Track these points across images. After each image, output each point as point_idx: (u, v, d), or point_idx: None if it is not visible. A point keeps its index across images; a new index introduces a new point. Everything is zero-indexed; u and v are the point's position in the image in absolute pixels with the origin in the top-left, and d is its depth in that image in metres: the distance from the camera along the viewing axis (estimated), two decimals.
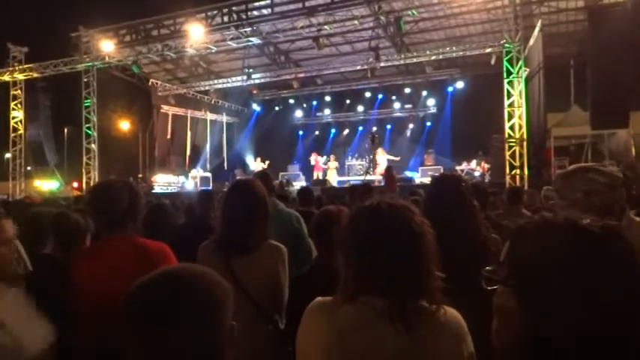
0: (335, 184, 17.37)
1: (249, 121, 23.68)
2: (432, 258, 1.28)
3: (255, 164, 19.73)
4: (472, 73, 17.80)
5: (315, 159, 19.10)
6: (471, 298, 1.27)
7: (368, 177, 15.80)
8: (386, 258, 1.23)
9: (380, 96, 21.28)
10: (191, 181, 18.58)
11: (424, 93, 20.52)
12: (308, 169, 20.51)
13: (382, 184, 13.73)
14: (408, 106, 21.49)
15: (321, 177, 18.28)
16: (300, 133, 23.97)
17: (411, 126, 21.49)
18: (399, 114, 21.95)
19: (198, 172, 19.16)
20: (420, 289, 1.24)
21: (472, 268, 1.30)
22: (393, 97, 21.18)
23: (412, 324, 1.20)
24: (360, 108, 22.17)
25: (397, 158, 16.93)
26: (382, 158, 16.50)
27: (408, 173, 17.64)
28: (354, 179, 19.05)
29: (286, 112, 22.92)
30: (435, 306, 1.26)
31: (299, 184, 18.65)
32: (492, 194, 5.48)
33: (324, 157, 19.27)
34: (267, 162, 18.48)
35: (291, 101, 22.81)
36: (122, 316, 0.90)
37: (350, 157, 20.77)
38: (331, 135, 23.46)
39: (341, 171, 19.97)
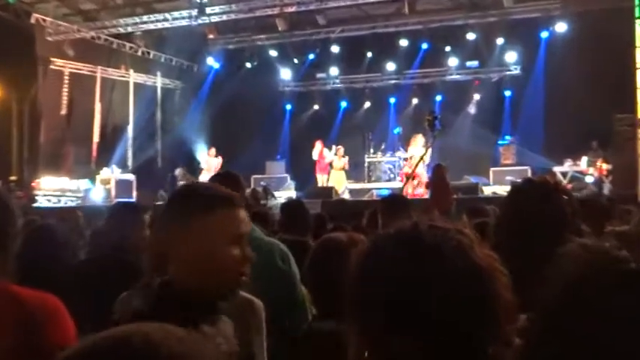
0: (345, 195, 18.62)
1: (200, 86, 24.34)
2: (504, 315, 1.34)
3: (209, 159, 20.48)
4: (582, 9, 18.37)
5: (319, 151, 19.86)
6: None
7: (399, 184, 17.02)
8: (431, 318, 1.28)
9: (424, 46, 22.00)
10: (100, 187, 18.98)
11: (500, 41, 21.17)
12: (301, 169, 21.62)
13: (426, 195, 14.37)
14: (472, 63, 22.42)
15: (326, 183, 19.58)
16: (288, 107, 24.86)
17: (476, 97, 22.35)
18: (456, 76, 22.77)
19: (112, 174, 19.65)
20: None
21: None
22: (447, 49, 21.95)
23: None
24: (391, 66, 23.01)
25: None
26: (418, 151, 17.43)
27: (470, 178, 18.69)
28: (379, 187, 20.14)
29: (265, 73, 23.38)
30: None
31: (285, 194, 19.81)
32: (614, 213, 5.78)
33: (332, 148, 20.32)
34: (220, 157, 19.74)
35: (273, 53, 23.44)
36: None
37: (372, 151, 21.69)
38: (340, 111, 24.19)
39: (355, 173, 21.17)
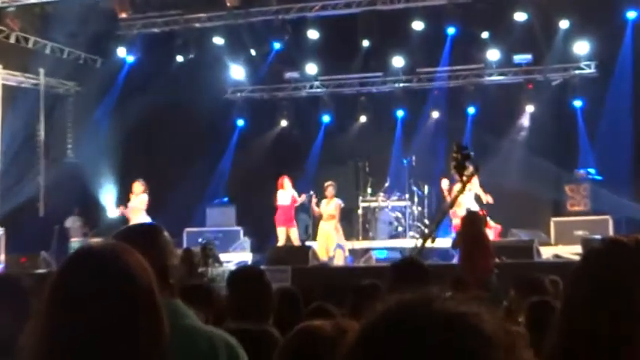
0: (338, 259, 19.57)
1: (107, 90, 24.81)
2: None
3: (115, 209, 21.47)
4: None
5: (289, 194, 20.60)
6: None
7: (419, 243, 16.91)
8: None
9: (450, 31, 22.26)
10: None
11: (564, 25, 21.54)
12: (260, 219, 22.32)
13: (454, 259, 15.33)
14: (522, 58, 22.93)
15: (297, 237, 20.56)
16: (240, 123, 25.62)
17: (529, 109, 23.23)
18: (498, 78, 23.60)
19: None
20: None
21: None
22: (484, 36, 22.49)
23: None
24: (398, 62, 23.63)
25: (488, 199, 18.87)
26: (467, 197, 18.09)
27: (520, 233, 19.58)
28: (380, 247, 21.26)
29: (205, 70, 24.08)
30: None
31: (237, 257, 20.97)
32: None
33: (306, 193, 20.88)
34: (144, 194, 19.98)
35: (219, 41, 23.82)
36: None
37: (369, 191, 22.68)
38: (320, 129, 24.98)
39: (344, 225, 21.33)
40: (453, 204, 17.11)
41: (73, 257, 2.67)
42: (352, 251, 20.88)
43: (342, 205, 20.51)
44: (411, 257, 10.05)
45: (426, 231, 18.40)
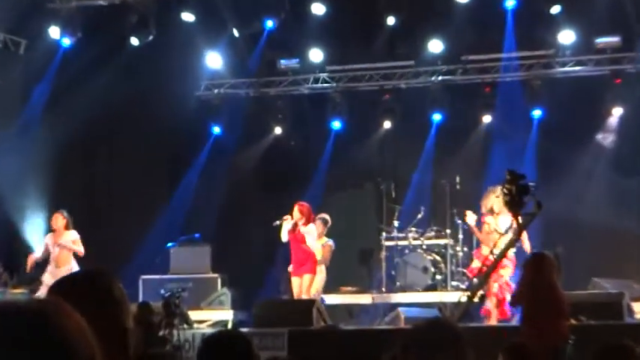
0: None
1: (33, 82, 25.16)
2: None
3: (54, 235, 21.14)
4: None
5: (295, 224, 20.82)
6: None
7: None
8: None
9: (509, 4, 22.99)
10: None
11: None
12: (244, 261, 23.58)
13: (513, 321, 16.82)
14: (606, 40, 23.13)
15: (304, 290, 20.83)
16: (216, 130, 26.14)
17: (616, 112, 23.55)
18: (573, 69, 24.01)
19: None
20: None
21: None
22: (555, 10, 22.72)
23: None
24: (436, 46, 24.12)
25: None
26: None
27: (605, 284, 19.85)
28: (411, 302, 21.70)
29: (171, 57, 24.74)
30: None
31: (212, 316, 21.68)
32: None
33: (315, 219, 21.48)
34: (72, 230, 20.75)
35: (188, 17, 24.47)
36: None
37: (395, 224, 23.24)
38: (329, 138, 25.53)
39: (362, 271, 23.21)
40: (505, 252, 17.12)
41: None
42: (371, 307, 21.12)
43: (333, 247, 20.82)
44: (437, 319, 9.88)
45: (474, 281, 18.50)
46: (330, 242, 20.68)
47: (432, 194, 23.04)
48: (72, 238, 20.05)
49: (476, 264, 19.00)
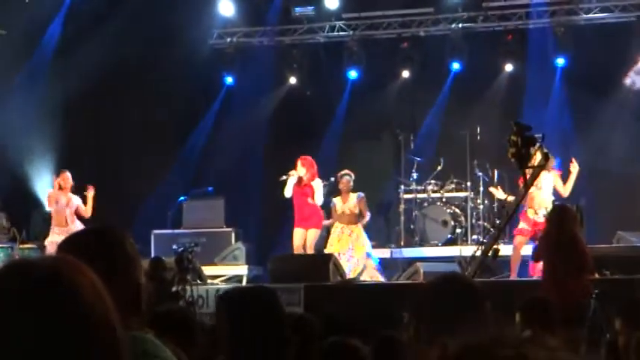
0: (364, 274, 19.93)
1: (39, 34, 25.09)
2: None
3: (57, 195, 21.11)
4: None
5: (302, 178, 20.87)
6: None
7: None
8: None
9: None
10: None
11: None
12: (260, 215, 23.94)
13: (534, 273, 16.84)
14: None
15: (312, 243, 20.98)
16: (229, 80, 26.11)
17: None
18: (597, 15, 24.03)
19: None
20: None
21: None
22: None
23: None
24: None
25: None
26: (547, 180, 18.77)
27: (631, 237, 20.00)
28: (432, 257, 21.91)
29: (178, 5, 24.59)
30: None
31: (228, 271, 21.79)
32: None
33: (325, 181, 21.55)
34: (91, 191, 20.80)
35: None
36: None
37: (414, 176, 23.22)
38: (346, 88, 25.45)
39: (379, 225, 22.86)
40: (517, 205, 17.25)
41: None
42: (390, 262, 21.02)
43: (365, 199, 20.55)
44: (454, 274, 9.21)
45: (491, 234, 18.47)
46: (361, 195, 20.45)
47: (452, 145, 22.89)
48: (79, 202, 20.21)
49: (522, 225, 18.95)
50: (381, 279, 19.89)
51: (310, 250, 20.30)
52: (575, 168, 18.62)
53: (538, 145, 15.23)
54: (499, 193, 19.60)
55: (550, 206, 17.60)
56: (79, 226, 19.29)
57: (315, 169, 20.54)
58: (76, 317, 2.37)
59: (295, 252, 20.25)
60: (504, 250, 17.93)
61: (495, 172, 21.30)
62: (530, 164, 15.47)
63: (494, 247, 16.42)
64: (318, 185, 20.38)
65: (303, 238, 20.42)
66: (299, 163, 20.45)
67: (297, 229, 20.47)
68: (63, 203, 20.39)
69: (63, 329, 2.33)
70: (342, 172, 20.42)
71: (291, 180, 20.41)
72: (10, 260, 2.95)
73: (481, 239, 20.39)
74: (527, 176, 16.01)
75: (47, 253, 18.92)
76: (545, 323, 9.00)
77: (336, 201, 20.36)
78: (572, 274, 12.88)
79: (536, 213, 18.06)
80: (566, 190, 18.56)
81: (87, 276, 2.48)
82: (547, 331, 8.84)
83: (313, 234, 20.46)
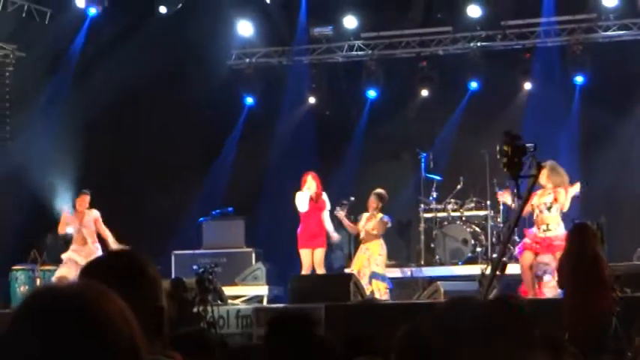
0: (383, 294, 20.10)
1: (60, 54, 25.14)
2: None
3: (75, 216, 21.10)
4: None
5: (314, 195, 20.97)
6: None
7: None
8: None
9: None
10: None
11: None
12: (280, 235, 23.31)
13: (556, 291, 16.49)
14: None
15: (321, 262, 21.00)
16: (249, 101, 26.08)
17: None
18: (616, 33, 24.11)
19: None
20: None
21: None
22: None
23: None
24: (474, 11, 24.26)
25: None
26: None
27: None
28: (451, 276, 21.97)
29: (200, 27, 24.56)
30: None
31: (248, 292, 21.85)
32: None
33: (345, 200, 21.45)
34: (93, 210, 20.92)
35: None
36: None
37: (434, 195, 23.36)
38: (365, 107, 25.41)
39: (399, 245, 23.26)
40: (516, 221, 16.92)
41: (26, 306, 2.49)
42: (410, 281, 21.29)
43: (390, 224, 20.71)
44: (461, 299, 9.70)
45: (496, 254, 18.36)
46: (387, 219, 20.54)
47: (472, 164, 22.91)
48: (94, 217, 20.29)
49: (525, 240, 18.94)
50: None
51: (319, 270, 20.43)
52: (575, 187, 18.62)
53: (530, 154, 14.95)
54: (505, 197, 19.46)
55: (553, 223, 17.97)
56: (97, 246, 19.82)
57: (320, 183, 20.72)
58: (105, 345, 2.40)
59: (304, 272, 20.45)
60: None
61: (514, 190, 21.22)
62: (525, 174, 15.10)
63: (502, 260, 16.61)
64: (326, 199, 20.56)
65: (311, 259, 20.47)
66: (309, 177, 20.54)
67: (303, 250, 20.60)
68: (77, 225, 20.43)
69: (91, 358, 2.36)
70: (375, 191, 20.56)
71: (303, 194, 20.50)
72: (35, 288, 2.73)
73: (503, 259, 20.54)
74: (518, 186, 15.63)
75: (61, 268, 19.29)
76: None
77: (363, 217, 20.40)
78: (594, 292, 12.95)
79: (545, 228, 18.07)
80: (564, 206, 18.59)
81: (114, 302, 2.54)
82: None
83: (320, 253, 20.53)
